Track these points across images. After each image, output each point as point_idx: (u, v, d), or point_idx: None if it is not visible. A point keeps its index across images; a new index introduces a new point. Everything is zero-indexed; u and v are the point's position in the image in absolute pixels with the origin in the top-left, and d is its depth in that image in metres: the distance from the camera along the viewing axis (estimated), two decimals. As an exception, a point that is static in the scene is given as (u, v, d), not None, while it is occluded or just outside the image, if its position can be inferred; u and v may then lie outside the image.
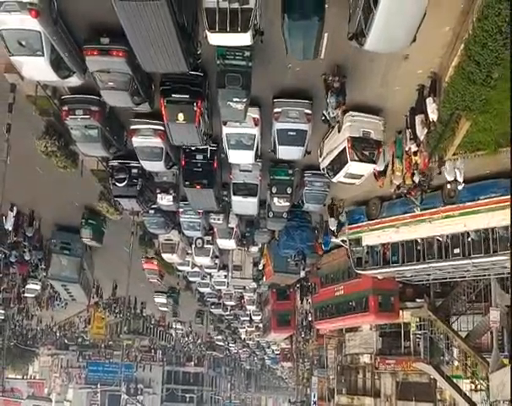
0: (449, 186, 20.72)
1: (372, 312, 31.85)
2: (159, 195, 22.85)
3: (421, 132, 16.14)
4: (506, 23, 11.68)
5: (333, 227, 26.52)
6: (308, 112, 17.05)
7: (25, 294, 38.97)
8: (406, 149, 17.53)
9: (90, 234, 28.35)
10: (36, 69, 14.30)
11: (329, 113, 16.19)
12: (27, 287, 36.90)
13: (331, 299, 36.31)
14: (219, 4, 12.10)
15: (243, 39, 12.87)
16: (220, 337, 69.71)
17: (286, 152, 18.97)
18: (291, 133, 17.70)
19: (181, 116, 16.22)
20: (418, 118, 16.04)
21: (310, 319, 44.40)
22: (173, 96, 15.91)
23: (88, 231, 28.22)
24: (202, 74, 15.75)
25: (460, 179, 17.69)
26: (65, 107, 17.17)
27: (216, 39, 13.10)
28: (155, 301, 49.29)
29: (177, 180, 22.30)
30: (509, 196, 19.52)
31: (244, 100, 15.45)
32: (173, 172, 21.81)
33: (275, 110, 17.08)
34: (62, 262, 30.94)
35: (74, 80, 15.48)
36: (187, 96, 15.85)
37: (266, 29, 13.21)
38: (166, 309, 51.62)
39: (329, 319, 38.00)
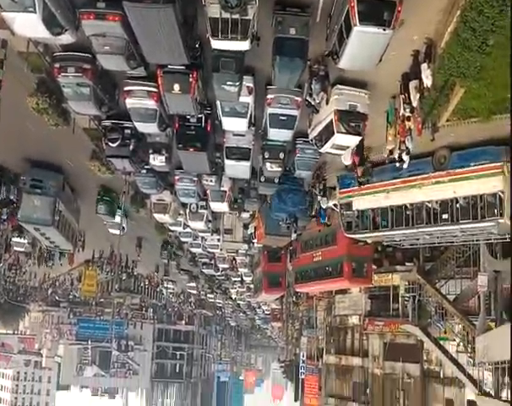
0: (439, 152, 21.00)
1: (346, 277, 32.85)
2: (151, 156, 22.74)
3: (414, 97, 16.17)
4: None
5: (324, 206, 27.05)
6: (298, 99, 18.00)
7: (14, 248, 38.62)
8: (400, 114, 17.56)
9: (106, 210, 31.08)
10: (28, 26, 14.07)
11: (314, 99, 16.95)
12: (14, 240, 36.35)
13: (310, 264, 37.13)
14: (221, 15, 13.31)
15: (242, 45, 14.38)
16: (193, 284, 67.19)
17: (277, 134, 20.17)
18: (282, 117, 18.80)
19: (176, 86, 16.75)
20: (412, 84, 16.07)
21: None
22: (169, 66, 16.31)
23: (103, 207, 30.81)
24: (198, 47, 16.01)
25: (406, 159, 18.69)
26: (57, 65, 16.95)
27: (218, 44, 14.43)
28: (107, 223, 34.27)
29: (170, 140, 22.22)
30: (499, 163, 19.75)
31: (237, 83, 16.30)
32: (166, 133, 21.72)
33: (268, 96, 18.07)
34: (35, 202, 27.10)
35: (66, 38, 15.25)
36: (182, 68, 16.23)
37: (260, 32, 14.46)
38: (117, 231, 32.72)
39: (308, 283, 39.04)
